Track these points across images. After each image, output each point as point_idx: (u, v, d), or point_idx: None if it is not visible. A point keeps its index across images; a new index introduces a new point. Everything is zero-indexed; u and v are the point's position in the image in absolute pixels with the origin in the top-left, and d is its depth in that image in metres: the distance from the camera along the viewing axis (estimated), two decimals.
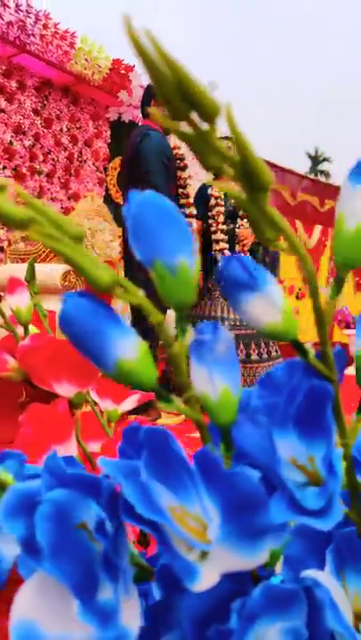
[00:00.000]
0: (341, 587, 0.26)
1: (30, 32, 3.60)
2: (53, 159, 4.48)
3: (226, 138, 2.94)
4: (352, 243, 0.18)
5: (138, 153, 2.36)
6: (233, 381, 0.20)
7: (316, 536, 0.25)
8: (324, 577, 0.24)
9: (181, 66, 0.15)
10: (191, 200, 2.53)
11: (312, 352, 0.19)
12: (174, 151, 2.55)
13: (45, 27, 3.75)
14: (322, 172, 37.94)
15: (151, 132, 2.43)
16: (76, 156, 4.69)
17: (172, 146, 2.57)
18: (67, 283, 2.81)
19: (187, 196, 2.54)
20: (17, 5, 3.55)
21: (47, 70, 4.14)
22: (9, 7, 3.60)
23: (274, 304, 0.17)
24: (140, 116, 2.79)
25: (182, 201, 2.54)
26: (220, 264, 0.17)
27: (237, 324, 2.70)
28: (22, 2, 3.57)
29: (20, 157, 4.27)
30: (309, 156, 38.81)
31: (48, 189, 4.51)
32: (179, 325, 0.17)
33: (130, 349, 0.17)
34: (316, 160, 38.47)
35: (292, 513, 0.17)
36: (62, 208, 4.52)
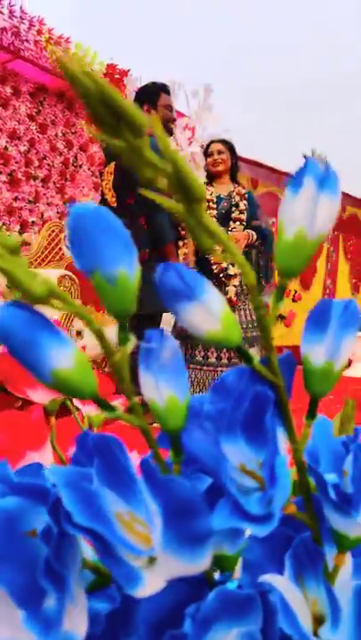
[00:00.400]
0: (301, 591, 0.26)
1: (24, 38, 3.62)
2: (49, 164, 4.50)
3: (222, 141, 2.96)
4: (291, 251, 0.18)
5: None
6: (180, 388, 0.20)
7: (275, 541, 0.25)
8: (281, 581, 0.25)
9: (105, 82, 0.15)
10: None
11: (257, 358, 0.19)
12: None
13: (39, 32, 3.77)
14: None
15: None
16: (71, 160, 4.71)
17: None
18: (62, 287, 2.80)
19: None
20: (10, 12, 3.57)
21: (42, 76, 4.15)
22: (2, 13, 3.62)
23: (212, 312, 0.18)
24: None
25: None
26: (157, 273, 0.18)
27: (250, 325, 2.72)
28: (16, 8, 3.59)
29: (16, 162, 4.29)
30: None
31: (44, 194, 4.52)
32: (120, 334, 0.18)
33: (66, 359, 0.17)
34: None
35: (235, 519, 0.18)
36: (58, 213, 4.53)
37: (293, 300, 4.57)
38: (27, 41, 3.70)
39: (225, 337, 0.18)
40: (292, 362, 0.21)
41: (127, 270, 0.17)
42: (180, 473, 0.19)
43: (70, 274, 2.87)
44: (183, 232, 2.61)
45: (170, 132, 2.73)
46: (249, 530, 0.19)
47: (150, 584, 0.17)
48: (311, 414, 0.22)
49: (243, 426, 0.19)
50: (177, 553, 0.17)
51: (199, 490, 0.20)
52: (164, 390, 0.19)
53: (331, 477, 0.21)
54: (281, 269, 0.18)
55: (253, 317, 2.88)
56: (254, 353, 0.19)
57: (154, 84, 2.76)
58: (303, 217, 0.18)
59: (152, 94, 2.60)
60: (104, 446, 0.19)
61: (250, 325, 2.73)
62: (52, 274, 2.72)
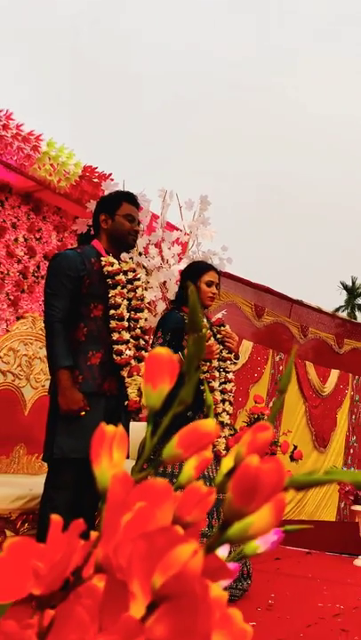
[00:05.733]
0: None
1: None
2: (2, 272, 4.69)
3: (217, 271, 3.27)
4: None
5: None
6: None
7: None
8: None
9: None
10: (125, 323, 2.59)
11: None
12: (105, 268, 2.68)
13: (6, 127, 4.15)
14: (360, 307, 39.13)
15: (63, 252, 2.77)
16: (32, 270, 4.92)
17: (104, 263, 2.71)
18: None
19: (120, 318, 2.61)
20: None
21: (6, 173, 4.49)
22: None
23: None
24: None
25: (113, 324, 2.61)
26: None
27: None
28: None
29: None
30: (344, 287, 40.30)
31: None
32: None
33: None
34: (353, 292, 39.85)
35: None
36: (7, 330, 4.63)
37: (292, 459, 4.36)
38: None
39: None
40: None
41: None
42: None
43: None
44: None
45: (131, 245, 2.88)
46: None
47: None
48: None
49: None
50: None
51: None
52: None
53: None
54: None
55: None
56: None
57: (118, 192, 3.00)
58: None
59: (112, 203, 2.81)
60: None
61: None
62: None
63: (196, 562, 0.25)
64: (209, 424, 0.34)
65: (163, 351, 0.34)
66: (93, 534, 0.35)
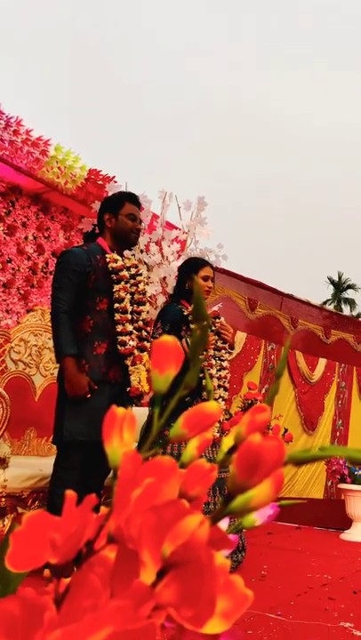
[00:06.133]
0: None
1: None
2: (13, 268, 4.68)
3: (212, 267, 3.27)
4: None
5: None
6: None
7: None
8: None
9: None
10: (128, 316, 2.61)
11: None
12: (110, 265, 2.69)
13: (16, 133, 4.14)
14: (346, 301, 39.09)
15: (70, 249, 2.74)
16: (40, 266, 4.92)
17: (108, 259, 2.72)
18: None
19: (124, 311, 2.64)
20: None
21: (16, 176, 4.48)
22: None
23: None
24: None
25: (117, 316, 2.63)
26: None
27: None
28: None
29: None
30: (331, 282, 40.24)
31: (4, 300, 4.65)
32: None
33: None
34: (339, 286, 39.81)
35: None
36: (18, 322, 4.63)
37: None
38: (1, 140, 4.05)
39: None
40: None
41: None
42: None
43: (2, 391, 2.82)
44: None
45: (133, 242, 2.88)
46: None
47: None
48: None
49: None
50: None
51: None
52: None
53: None
54: None
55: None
56: None
57: (121, 193, 2.99)
58: None
59: (116, 203, 2.80)
60: None
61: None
62: None
63: (202, 531, 0.26)
64: (213, 406, 0.34)
65: (169, 339, 0.34)
66: (103, 509, 0.35)
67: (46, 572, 0.35)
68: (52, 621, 0.31)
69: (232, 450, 0.34)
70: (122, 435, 0.34)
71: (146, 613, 0.27)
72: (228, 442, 0.36)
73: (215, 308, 4.38)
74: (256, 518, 0.46)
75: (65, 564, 0.34)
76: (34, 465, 3.14)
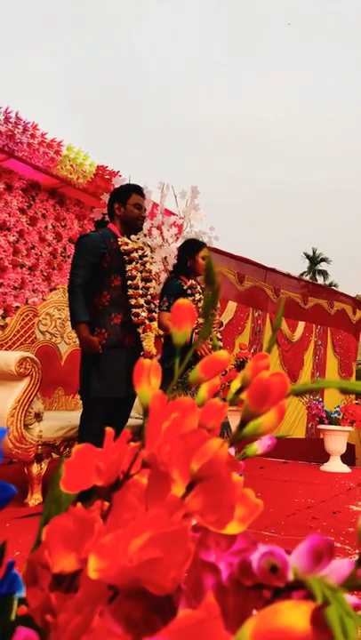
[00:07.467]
0: None
1: (18, 140, 3.90)
2: (37, 254, 4.67)
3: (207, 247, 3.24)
4: None
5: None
6: None
7: None
8: None
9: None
10: (140, 291, 2.63)
11: None
12: (121, 247, 2.70)
13: (33, 136, 4.08)
14: (320, 272, 39.00)
15: (88, 234, 2.69)
16: (59, 251, 4.90)
17: (120, 242, 2.65)
18: (22, 369, 2.80)
19: (136, 287, 2.63)
20: (6, 118, 3.89)
21: (35, 174, 4.42)
22: None
23: None
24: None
25: (130, 292, 2.65)
26: None
27: None
28: (12, 115, 3.92)
29: (4, 251, 4.45)
30: (307, 257, 40.08)
31: (30, 281, 4.64)
32: None
33: None
34: (313, 260, 39.68)
35: None
36: (44, 299, 4.64)
37: None
38: (20, 143, 3.99)
39: None
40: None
41: None
42: None
43: (32, 356, 2.84)
44: None
45: (139, 228, 2.88)
46: None
47: None
48: None
49: None
50: None
51: None
52: None
53: None
54: None
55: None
56: None
57: (128, 185, 2.95)
58: None
59: (124, 193, 2.77)
60: None
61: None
62: (12, 355, 2.72)
63: (223, 451, 0.27)
64: (223, 354, 0.35)
65: (185, 302, 0.35)
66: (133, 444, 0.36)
67: (78, 504, 0.36)
68: (101, 531, 0.32)
69: (240, 390, 0.36)
70: (150, 380, 0.35)
71: (178, 520, 0.29)
72: (235, 384, 0.37)
73: None
74: (258, 447, 0.48)
75: (108, 486, 0.35)
76: (63, 418, 3.18)
